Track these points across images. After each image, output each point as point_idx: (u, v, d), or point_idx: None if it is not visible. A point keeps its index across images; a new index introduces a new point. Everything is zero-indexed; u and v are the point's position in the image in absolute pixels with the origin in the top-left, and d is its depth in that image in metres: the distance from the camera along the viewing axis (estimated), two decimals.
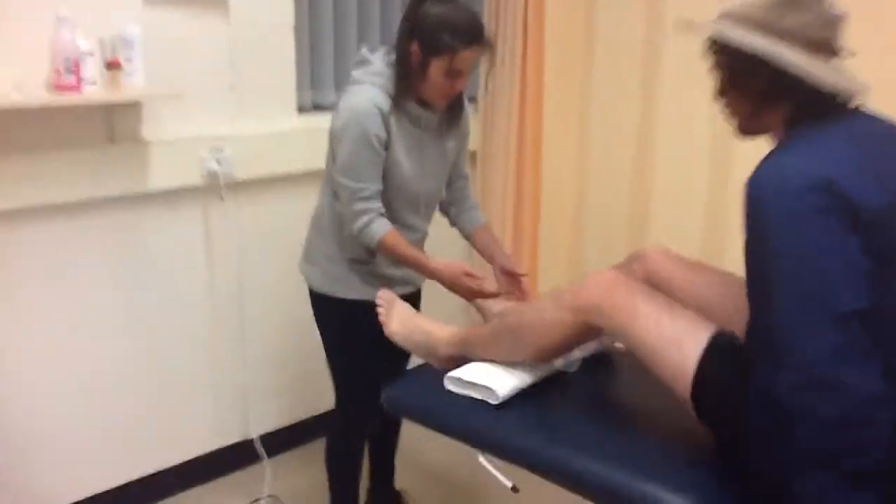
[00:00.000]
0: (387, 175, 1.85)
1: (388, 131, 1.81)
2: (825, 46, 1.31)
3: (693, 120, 2.55)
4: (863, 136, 1.30)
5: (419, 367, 1.82)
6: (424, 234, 2.04)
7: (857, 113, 1.34)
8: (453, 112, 1.94)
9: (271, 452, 2.57)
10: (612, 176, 2.84)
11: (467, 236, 2.11)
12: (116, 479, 2.34)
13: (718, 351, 1.35)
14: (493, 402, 1.55)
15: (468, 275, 1.85)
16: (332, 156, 1.89)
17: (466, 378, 1.59)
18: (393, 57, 1.83)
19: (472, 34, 1.75)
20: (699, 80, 2.50)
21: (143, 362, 2.33)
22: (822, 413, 1.09)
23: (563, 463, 1.43)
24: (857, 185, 1.17)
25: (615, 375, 1.77)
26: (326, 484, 2.17)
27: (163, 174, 2.22)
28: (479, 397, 1.57)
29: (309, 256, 2.05)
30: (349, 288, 1.98)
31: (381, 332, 1.83)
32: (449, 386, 1.62)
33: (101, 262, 2.19)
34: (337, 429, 2.15)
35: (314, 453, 2.69)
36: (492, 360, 1.67)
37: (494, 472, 1.54)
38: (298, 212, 2.53)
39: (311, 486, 2.44)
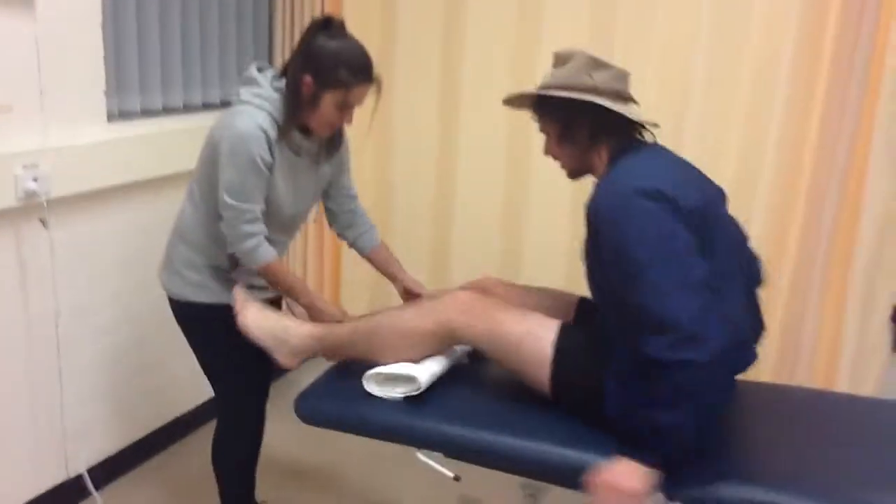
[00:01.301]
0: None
1: (272, 155, 1.82)
2: (623, 95, 1.69)
3: (492, 123, 2.81)
4: (667, 157, 1.69)
5: (324, 377, 1.86)
6: (286, 247, 2.10)
7: (655, 144, 1.74)
8: (333, 141, 1.99)
9: (101, 485, 2.40)
10: (417, 175, 3.00)
11: (366, 256, 2.18)
12: None
13: (568, 334, 1.67)
14: (414, 392, 1.69)
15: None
16: (206, 169, 1.88)
17: (385, 372, 1.72)
18: (282, 82, 1.84)
19: (366, 71, 1.82)
20: (496, 83, 2.79)
21: None
22: (697, 360, 1.41)
23: (506, 446, 1.60)
24: (678, 190, 1.53)
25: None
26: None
27: None
28: (400, 391, 1.70)
29: (169, 264, 2.01)
30: (210, 293, 1.97)
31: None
32: (368, 384, 1.73)
33: None
34: (224, 428, 2.12)
35: (148, 475, 2.59)
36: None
37: (435, 465, 1.67)
38: (116, 228, 2.40)
39: None
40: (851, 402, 1.96)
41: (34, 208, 2.09)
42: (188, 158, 2.52)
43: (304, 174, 1.95)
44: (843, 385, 2.41)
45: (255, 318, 1.87)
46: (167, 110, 2.63)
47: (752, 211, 2.47)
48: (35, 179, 2.06)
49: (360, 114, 1.91)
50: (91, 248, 2.33)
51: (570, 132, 1.68)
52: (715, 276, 1.49)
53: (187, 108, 2.72)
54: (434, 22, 2.84)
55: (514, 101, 1.81)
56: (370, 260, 2.19)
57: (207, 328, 1.99)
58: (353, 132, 2.02)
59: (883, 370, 2.39)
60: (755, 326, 1.73)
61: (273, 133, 1.81)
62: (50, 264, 2.19)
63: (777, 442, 1.66)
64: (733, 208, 2.46)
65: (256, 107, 1.81)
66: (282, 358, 1.88)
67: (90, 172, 2.24)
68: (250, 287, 2.01)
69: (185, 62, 2.68)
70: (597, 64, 1.65)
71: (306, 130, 1.89)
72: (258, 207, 1.84)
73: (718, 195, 1.71)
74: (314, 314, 1.96)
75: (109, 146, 2.29)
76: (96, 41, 2.24)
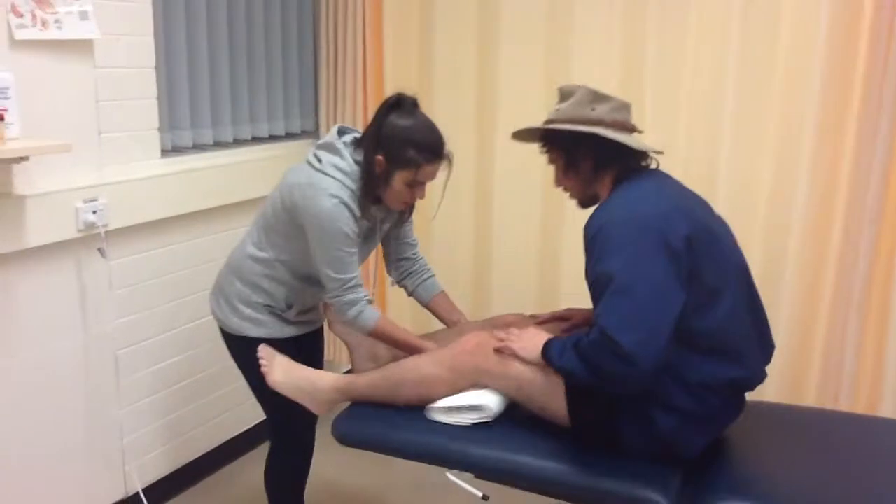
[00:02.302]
0: None
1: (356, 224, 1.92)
2: (625, 125, 1.77)
3: (527, 158, 2.85)
4: (665, 184, 1.76)
5: (355, 403, 1.94)
6: None
7: (657, 171, 1.81)
8: (403, 212, 2.09)
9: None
10: (455, 217, 3.02)
11: (427, 305, 2.21)
12: None
13: None
14: (487, 419, 1.76)
15: None
16: (278, 223, 1.97)
17: (452, 405, 1.77)
18: (360, 154, 1.93)
19: (435, 149, 1.90)
20: (530, 117, 2.82)
21: (11, 429, 2.15)
22: (622, 372, 1.54)
23: (534, 469, 1.65)
24: (667, 217, 1.61)
25: None
26: None
27: (39, 229, 2.08)
28: (470, 419, 1.76)
29: (224, 297, 2.10)
30: (267, 329, 2.06)
31: (294, 358, 2.00)
32: (433, 416, 1.79)
33: None
34: (276, 451, 2.21)
35: (201, 495, 2.69)
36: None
37: (464, 485, 1.72)
38: (170, 257, 2.53)
39: None
40: (873, 423, 1.96)
41: (93, 239, 2.24)
42: (238, 190, 2.68)
43: (369, 237, 2.04)
44: (887, 410, 2.37)
45: (282, 375, 1.96)
46: (218, 144, 2.78)
47: (788, 238, 2.47)
48: (94, 212, 2.20)
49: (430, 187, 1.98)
50: (146, 275, 2.46)
51: (575, 163, 1.77)
52: (702, 292, 1.60)
53: (237, 142, 2.86)
54: (469, 60, 2.92)
55: (524, 136, 1.89)
56: (431, 309, 2.20)
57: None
58: (422, 203, 2.08)
59: None
60: (763, 343, 1.76)
61: (355, 208, 1.90)
62: (108, 291, 2.33)
63: (796, 463, 1.67)
64: (769, 233, 2.50)
65: (339, 182, 1.89)
66: (312, 407, 1.97)
67: (145, 205, 2.38)
68: (298, 323, 2.11)
69: (233, 99, 2.82)
70: (598, 97, 1.74)
71: (378, 199, 1.97)
72: (358, 272, 1.94)
73: (713, 219, 1.76)
74: None
75: (163, 180, 2.43)
76: (150, 82, 2.40)
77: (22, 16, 1.99)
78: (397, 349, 2.02)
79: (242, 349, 2.08)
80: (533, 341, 1.72)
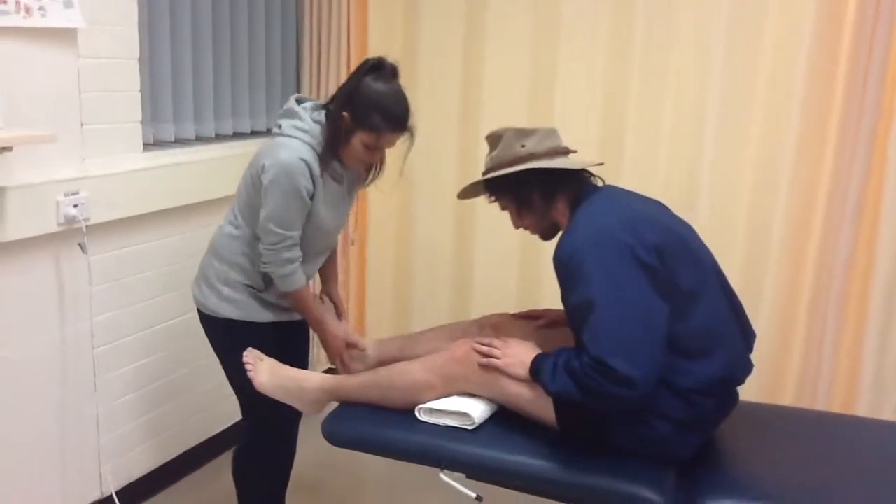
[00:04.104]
0: (305, 225, 1.96)
1: (314, 185, 1.92)
2: (557, 150, 1.80)
3: None
4: (623, 197, 1.78)
5: (344, 403, 1.92)
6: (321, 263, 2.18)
7: (610, 186, 1.83)
8: (370, 172, 2.10)
9: None
10: (437, 216, 3.06)
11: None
12: None
13: None
14: (468, 426, 1.73)
15: (350, 345, 2.06)
16: (249, 196, 1.98)
17: (439, 408, 1.75)
18: (321, 115, 1.94)
19: (400, 120, 1.91)
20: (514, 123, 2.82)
21: None
22: (620, 394, 1.54)
23: (529, 469, 1.65)
24: (634, 230, 1.61)
25: None
26: None
27: (19, 223, 2.03)
28: (454, 424, 1.74)
29: (204, 280, 2.09)
30: (245, 310, 2.05)
31: (274, 346, 2.03)
32: (422, 416, 1.78)
33: None
34: (251, 448, 2.18)
35: (180, 494, 2.66)
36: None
37: (457, 485, 1.71)
38: (151, 252, 2.48)
39: None
40: (855, 423, 1.99)
41: (74, 233, 2.18)
42: (220, 185, 2.64)
43: (342, 198, 2.05)
44: (862, 409, 2.42)
45: (268, 377, 1.95)
46: (200, 139, 2.73)
47: (769, 242, 2.52)
48: (75, 206, 2.15)
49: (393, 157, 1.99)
50: (126, 271, 2.41)
51: (525, 201, 1.79)
52: (682, 298, 1.61)
53: (219, 138, 2.82)
54: (454, 57, 2.93)
55: (470, 193, 1.92)
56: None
57: (238, 344, 2.04)
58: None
59: None
60: (745, 334, 1.79)
61: (315, 165, 1.91)
62: (87, 287, 2.28)
63: (784, 462, 1.70)
64: (750, 238, 2.54)
65: (300, 140, 1.91)
66: (301, 407, 1.97)
67: (127, 199, 2.33)
68: (278, 307, 2.08)
69: (217, 94, 2.78)
70: (523, 133, 1.78)
71: (337, 156, 1.97)
72: (298, 234, 1.94)
73: (676, 221, 1.78)
74: (323, 341, 2.07)
75: (145, 174, 2.39)
76: (134, 75, 2.35)
77: (5, 2, 1.93)
78: (303, 315, 2.07)
79: (219, 332, 2.08)
80: (519, 357, 1.72)
